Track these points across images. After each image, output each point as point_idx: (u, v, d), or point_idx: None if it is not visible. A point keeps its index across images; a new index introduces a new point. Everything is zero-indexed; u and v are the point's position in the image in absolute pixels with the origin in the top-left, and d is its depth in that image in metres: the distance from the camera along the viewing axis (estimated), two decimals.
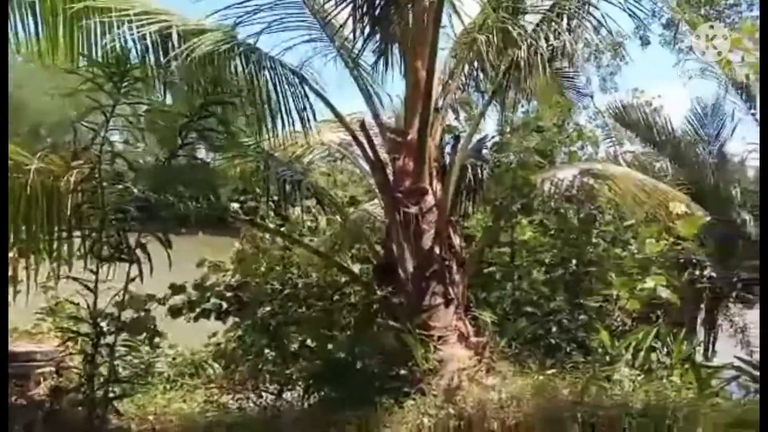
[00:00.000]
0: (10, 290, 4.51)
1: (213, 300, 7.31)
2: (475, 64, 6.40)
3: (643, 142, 9.61)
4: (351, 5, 5.81)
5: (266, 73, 5.52)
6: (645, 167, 9.98)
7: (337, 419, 4.83)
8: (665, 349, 6.25)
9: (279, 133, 5.78)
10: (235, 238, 7.67)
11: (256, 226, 6.99)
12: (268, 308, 7.01)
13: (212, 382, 6.92)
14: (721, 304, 9.46)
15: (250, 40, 5.64)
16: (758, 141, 7.11)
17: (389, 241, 5.91)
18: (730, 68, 8.07)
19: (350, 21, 5.94)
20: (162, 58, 5.08)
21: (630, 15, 5.99)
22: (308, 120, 5.62)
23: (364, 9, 5.76)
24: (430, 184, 5.92)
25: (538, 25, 6.15)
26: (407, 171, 5.91)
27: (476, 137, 7.03)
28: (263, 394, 6.65)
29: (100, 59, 4.93)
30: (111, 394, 4.50)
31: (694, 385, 5.55)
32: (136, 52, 4.91)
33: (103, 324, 4.54)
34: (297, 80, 5.68)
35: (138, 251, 4.55)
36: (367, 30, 5.89)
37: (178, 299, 7.18)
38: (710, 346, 9.58)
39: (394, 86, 6.85)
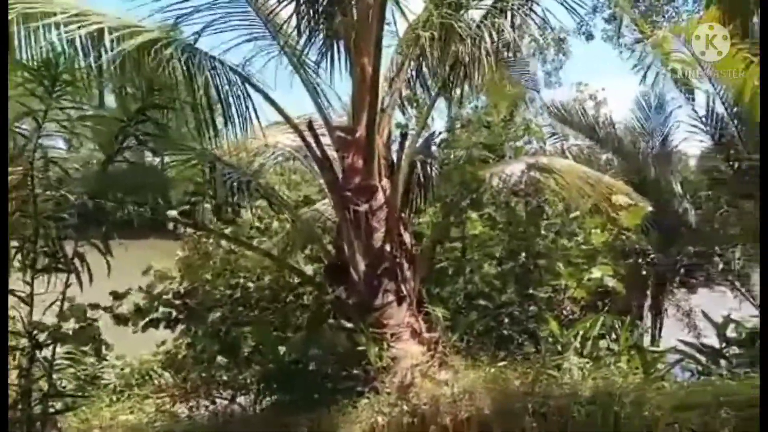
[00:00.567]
0: None
1: (162, 308, 7.15)
2: (421, 60, 6.40)
3: (584, 138, 9.85)
4: (294, 2, 5.74)
5: (207, 73, 5.38)
6: (591, 160, 10.25)
7: (289, 422, 4.77)
8: (613, 336, 6.44)
9: (227, 135, 5.65)
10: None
11: (202, 230, 6.83)
12: (218, 314, 6.90)
13: (163, 391, 6.76)
14: (665, 290, 9.79)
15: (191, 40, 5.50)
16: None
17: (340, 240, 5.88)
18: (670, 63, 8.34)
19: (294, 18, 5.88)
20: (96, 61, 4.88)
21: (569, 11, 6.08)
22: (252, 121, 5.50)
23: (307, 5, 5.69)
24: (380, 181, 5.90)
25: (481, 21, 6.19)
26: (356, 169, 5.87)
27: (425, 134, 7.05)
28: (216, 400, 6.54)
29: (31, 63, 4.71)
30: (51, 409, 4.32)
31: (640, 370, 5.72)
32: (65, 56, 4.70)
33: (42, 336, 4.35)
34: (239, 80, 5.57)
35: (76, 260, 4.37)
36: (310, 27, 5.82)
37: (125, 308, 6.99)
38: (657, 331, 9.90)
39: (342, 84, 6.82)
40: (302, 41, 6.14)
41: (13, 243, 4.56)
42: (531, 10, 6.11)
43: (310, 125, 5.76)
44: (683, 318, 9.66)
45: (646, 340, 9.46)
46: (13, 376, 4.76)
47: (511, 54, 6.63)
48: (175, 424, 5.48)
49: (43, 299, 4.40)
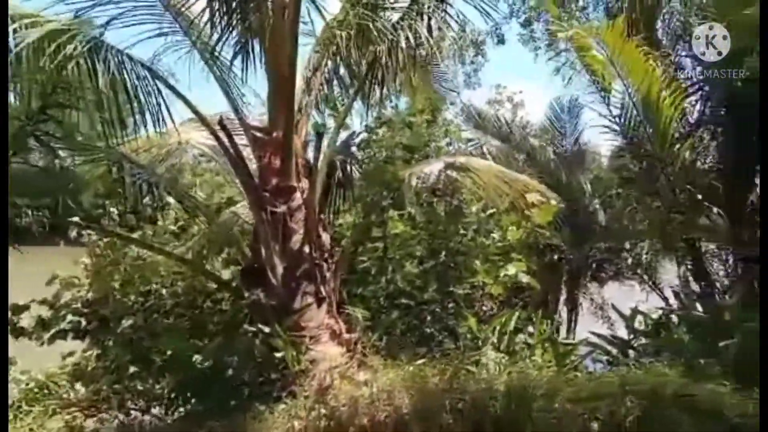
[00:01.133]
0: None
1: (70, 317, 6.76)
2: (339, 60, 6.37)
3: (497, 140, 10.14)
4: None
5: (114, 68, 5.12)
6: (509, 161, 10.55)
7: (204, 431, 4.61)
8: (530, 330, 6.64)
9: (137, 134, 5.40)
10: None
11: (108, 235, 6.51)
12: (130, 322, 6.59)
13: (72, 405, 6.40)
14: (579, 284, 10.22)
15: (96, 33, 5.22)
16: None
17: (257, 242, 5.75)
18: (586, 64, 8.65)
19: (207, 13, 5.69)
20: None
21: (483, 14, 6.21)
22: (163, 119, 5.29)
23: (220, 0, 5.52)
24: (298, 182, 5.83)
25: (398, 22, 6.22)
26: (273, 169, 5.77)
27: (345, 134, 7.03)
28: (131, 411, 6.26)
29: None
30: None
31: (553, 362, 5.92)
32: None
33: None
34: (150, 76, 5.34)
35: None
36: (223, 22, 5.64)
37: (27, 322, 6.56)
38: (572, 324, 10.31)
39: (260, 82, 6.68)
40: (216, 37, 5.96)
41: None
42: (446, 12, 6.17)
43: (222, 123, 5.60)
44: (596, 311, 10.11)
45: (563, 333, 9.87)
46: None
47: (428, 55, 6.68)
48: None
49: None
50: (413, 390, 4.99)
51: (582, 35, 8.05)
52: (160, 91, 5.29)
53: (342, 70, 6.45)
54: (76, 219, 6.11)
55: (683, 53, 8.94)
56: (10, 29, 4.51)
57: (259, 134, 5.81)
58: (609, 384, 5.01)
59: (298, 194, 5.73)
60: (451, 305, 6.93)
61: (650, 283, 8.65)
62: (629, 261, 8.97)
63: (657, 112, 7.62)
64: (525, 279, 6.74)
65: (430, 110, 9.30)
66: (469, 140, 9.88)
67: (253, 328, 5.56)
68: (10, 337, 6.37)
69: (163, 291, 6.68)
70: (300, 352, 5.26)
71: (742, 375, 5.25)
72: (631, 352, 6.66)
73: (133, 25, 5.88)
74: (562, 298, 10.28)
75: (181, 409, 5.67)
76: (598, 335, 7.28)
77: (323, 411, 4.74)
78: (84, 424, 6.20)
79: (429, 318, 6.97)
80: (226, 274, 6.76)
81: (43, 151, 5.51)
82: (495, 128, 10.06)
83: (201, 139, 6.66)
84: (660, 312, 7.06)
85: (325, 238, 5.88)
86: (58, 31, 4.70)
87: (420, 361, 5.48)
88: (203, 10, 5.78)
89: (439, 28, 6.45)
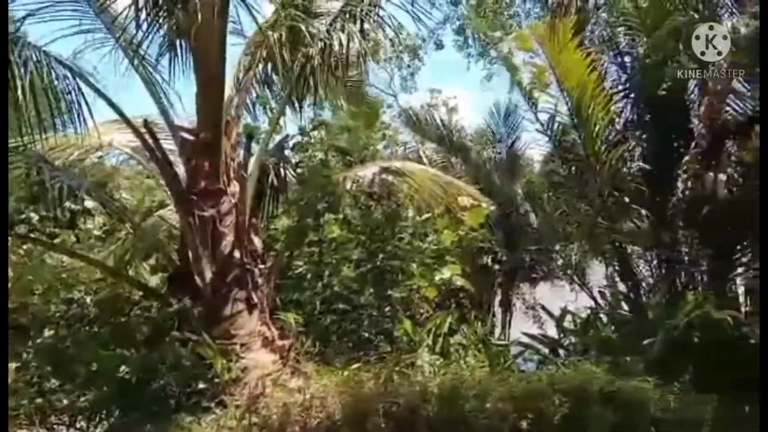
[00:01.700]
0: None
1: None
2: (270, 62, 6.27)
3: (435, 143, 10.27)
4: None
5: (32, 65, 4.85)
6: (446, 165, 10.68)
7: None
8: (465, 332, 6.72)
9: (56, 134, 5.13)
10: None
11: (24, 240, 6.17)
12: (52, 332, 6.26)
13: None
14: (513, 285, 10.44)
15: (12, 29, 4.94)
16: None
17: (185, 247, 5.56)
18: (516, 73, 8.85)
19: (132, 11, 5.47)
20: None
21: (415, 20, 6.23)
22: (84, 119, 5.04)
23: None
24: (228, 185, 5.69)
25: (330, 24, 6.18)
26: (202, 172, 5.61)
27: (278, 137, 6.92)
28: (55, 426, 5.94)
29: None
30: None
31: (486, 363, 6.01)
32: None
33: None
34: (70, 74, 5.09)
35: None
36: (149, 20, 5.44)
37: None
38: (507, 325, 10.51)
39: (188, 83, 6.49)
40: (142, 36, 5.75)
41: None
42: (378, 16, 6.18)
43: (146, 124, 5.40)
44: (527, 311, 10.35)
45: (498, 334, 10.05)
46: None
47: (361, 59, 6.66)
48: None
49: None
50: (347, 395, 4.95)
51: (524, 38, 8.26)
52: (81, 90, 5.06)
53: (274, 72, 6.34)
54: None
55: (610, 61, 9.33)
56: None
57: (186, 135, 5.64)
58: (538, 383, 5.13)
59: (227, 198, 5.59)
60: (387, 309, 6.93)
61: (579, 283, 8.91)
62: (560, 262, 9.24)
63: (588, 117, 7.89)
64: (459, 282, 6.82)
65: (368, 113, 9.32)
66: (405, 143, 9.93)
67: (182, 337, 5.37)
68: None
69: (87, 299, 6.37)
70: (230, 360, 5.13)
71: (664, 371, 5.50)
72: (561, 351, 6.83)
73: (53, 20, 5.63)
74: (497, 299, 10.48)
75: (105, 423, 5.41)
76: (530, 335, 7.45)
77: (254, 420, 4.64)
78: None
79: (366, 322, 6.95)
80: (154, 281, 6.52)
81: None
82: (432, 132, 10.16)
83: (125, 140, 6.40)
84: (588, 311, 7.28)
85: (257, 242, 5.76)
86: None
87: (355, 366, 5.45)
88: (128, 7, 5.58)
89: (372, 32, 6.46)
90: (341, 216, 7.20)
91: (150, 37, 5.57)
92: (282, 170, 6.66)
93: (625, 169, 8.53)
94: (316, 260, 7.31)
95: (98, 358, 6.01)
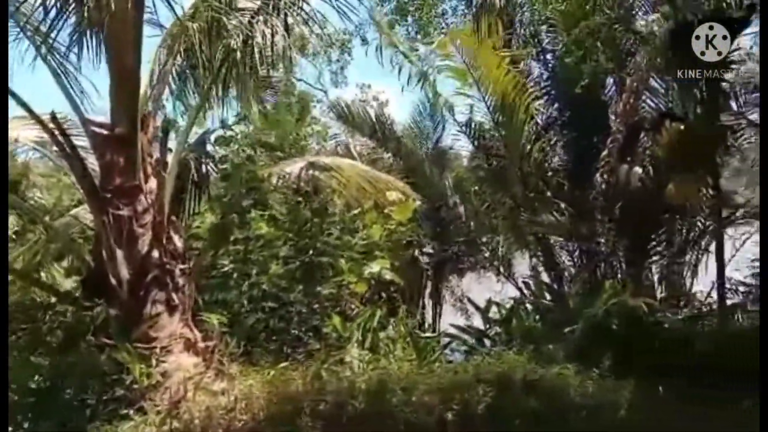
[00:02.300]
0: None
1: None
2: (191, 54, 6.05)
3: (366, 137, 10.26)
4: None
5: None
6: (375, 160, 10.68)
7: None
8: (394, 326, 6.74)
9: None
10: None
11: None
12: None
13: None
14: (443, 278, 10.59)
15: None
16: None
17: (99, 248, 5.29)
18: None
19: None
20: None
21: (341, 14, 6.14)
22: None
23: None
24: (145, 182, 5.44)
25: (253, 16, 6.02)
26: (117, 169, 5.34)
27: (200, 131, 6.69)
28: None
29: None
30: None
31: (415, 356, 6.05)
32: None
33: None
34: None
35: None
36: (58, 6, 5.12)
37: None
38: (437, 317, 10.65)
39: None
40: (49, 25, 5.41)
41: None
42: (302, 10, 6.07)
43: (54, 118, 5.09)
44: (455, 304, 10.54)
45: (429, 327, 10.17)
46: None
47: (288, 53, 6.54)
48: None
49: None
50: (273, 395, 4.86)
51: (443, 44, 8.41)
52: None
53: (193, 65, 6.12)
54: None
55: (534, 59, 9.59)
56: None
57: (99, 130, 5.35)
58: (464, 374, 5.22)
59: (144, 195, 5.35)
60: (316, 305, 6.85)
61: (505, 274, 9.14)
62: (487, 254, 9.44)
63: (508, 117, 8.13)
64: (389, 276, 6.83)
65: (298, 108, 9.19)
66: (336, 137, 9.87)
67: (98, 342, 5.12)
68: None
69: None
70: (150, 365, 4.92)
71: (584, 358, 5.71)
72: (487, 342, 6.98)
73: None
74: (427, 292, 10.59)
75: None
76: (457, 327, 7.58)
77: (175, 425, 4.48)
78: None
79: (295, 319, 6.84)
80: (68, 284, 6.18)
81: None
82: (364, 126, 10.14)
83: (32, 136, 6.02)
84: (512, 302, 7.48)
85: (178, 241, 5.54)
86: None
87: (282, 365, 5.37)
88: None
89: (297, 26, 6.35)
90: (268, 212, 7.06)
91: (59, 25, 5.23)
92: (204, 166, 6.44)
93: (547, 164, 8.83)
94: (242, 258, 7.13)
95: (8, 365, 5.65)
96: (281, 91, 8.54)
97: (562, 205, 8.28)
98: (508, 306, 7.37)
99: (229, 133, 6.75)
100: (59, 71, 5.69)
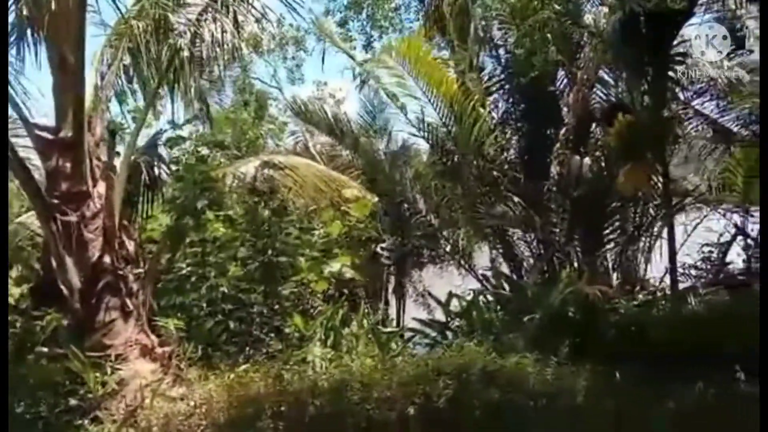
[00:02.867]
0: None
1: None
2: (138, 54, 5.88)
3: (323, 135, 10.20)
4: None
5: None
6: (333, 157, 10.64)
7: None
8: (357, 323, 6.72)
9: None
10: None
11: None
12: None
13: None
14: (405, 272, 10.62)
15: None
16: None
17: (47, 255, 5.13)
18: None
19: None
20: None
21: (289, 9, 6.07)
22: None
23: None
24: (94, 186, 5.30)
25: (200, 14, 5.91)
26: (63, 173, 5.20)
27: (150, 132, 6.54)
28: None
29: None
30: None
31: (377, 352, 6.04)
32: None
33: None
34: None
35: None
36: None
37: None
38: (402, 311, 10.67)
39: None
40: None
41: None
42: (252, 6, 5.99)
43: None
44: (417, 298, 10.59)
45: (395, 322, 10.18)
46: None
47: (237, 51, 6.43)
48: None
49: None
50: (234, 398, 4.80)
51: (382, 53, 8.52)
52: None
53: (140, 64, 5.96)
54: None
55: (486, 54, 9.68)
56: None
57: (43, 134, 5.18)
58: (425, 368, 5.24)
59: (94, 200, 5.21)
60: (277, 306, 6.79)
61: (466, 267, 9.22)
62: (447, 248, 9.51)
63: (459, 116, 8.24)
64: (349, 274, 6.81)
65: (255, 107, 9.06)
66: (294, 135, 9.79)
67: (49, 352, 4.97)
68: None
69: None
70: (105, 373, 4.80)
71: (543, 346, 5.80)
72: (449, 334, 7.02)
73: None
74: (391, 287, 10.61)
75: None
76: (419, 320, 7.60)
77: None
78: None
79: (256, 320, 6.77)
80: (16, 293, 5.96)
81: None
82: (321, 123, 10.08)
83: None
84: (472, 294, 7.54)
85: (130, 245, 5.42)
86: None
87: (243, 367, 5.29)
88: None
89: (248, 24, 6.25)
90: (224, 213, 6.95)
91: None
92: (155, 168, 6.30)
93: (503, 157, 8.96)
94: (199, 261, 7.01)
95: None
96: (237, 90, 8.42)
97: (515, 199, 8.41)
98: (468, 298, 7.42)
99: (179, 133, 6.61)
100: None
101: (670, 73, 7.53)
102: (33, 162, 5.48)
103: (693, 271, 8.22)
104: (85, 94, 5.15)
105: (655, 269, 8.67)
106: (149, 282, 5.65)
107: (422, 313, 9.79)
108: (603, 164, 7.88)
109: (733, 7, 6.95)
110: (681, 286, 7.68)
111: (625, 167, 7.52)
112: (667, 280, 7.85)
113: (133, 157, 5.88)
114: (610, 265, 8.71)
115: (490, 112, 8.97)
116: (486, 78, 9.24)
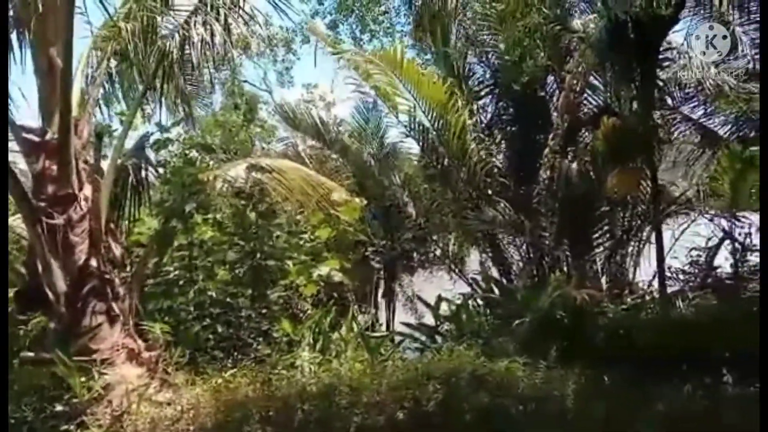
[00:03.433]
0: None
1: None
2: (125, 56, 5.86)
3: (312, 139, 10.19)
4: None
5: None
6: (322, 160, 10.61)
7: None
8: (346, 327, 6.69)
9: None
10: None
11: None
12: None
13: None
14: (395, 276, 10.60)
15: None
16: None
17: (33, 259, 5.07)
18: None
19: None
20: None
21: (279, 11, 6.04)
22: None
23: None
24: (80, 189, 5.24)
25: (190, 16, 5.88)
26: (49, 176, 5.13)
27: (137, 135, 6.49)
28: None
29: None
30: None
31: (366, 356, 6.02)
32: None
33: None
34: None
35: None
36: None
37: None
38: (392, 315, 10.64)
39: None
40: None
41: None
42: (241, 8, 5.96)
43: None
44: (406, 302, 10.56)
45: (385, 326, 10.15)
46: None
47: (228, 53, 6.41)
48: None
49: None
50: (221, 403, 4.76)
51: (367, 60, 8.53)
52: None
53: (128, 67, 5.93)
54: None
55: (475, 58, 9.71)
56: None
57: (29, 136, 5.13)
58: (414, 372, 5.22)
59: (81, 203, 5.15)
60: (265, 310, 6.75)
61: (457, 271, 9.23)
62: (438, 252, 9.51)
63: (447, 122, 8.26)
64: (338, 277, 6.79)
65: (246, 110, 9.01)
66: (285, 139, 9.75)
67: (34, 357, 4.90)
68: None
69: None
70: (91, 377, 4.75)
71: (532, 350, 5.80)
72: (439, 338, 7.01)
73: None
74: (381, 291, 10.58)
75: None
76: (409, 324, 7.59)
77: None
78: None
79: (244, 324, 6.72)
80: None
81: None
82: (308, 127, 10.06)
83: None
84: (462, 298, 7.54)
85: (117, 249, 5.37)
86: None
87: (231, 372, 5.25)
88: None
89: (237, 26, 6.22)
90: (211, 216, 6.91)
91: None
92: (143, 170, 6.24)
93: (493, 161, 8.98)
94: (187, 264, 6.96)
95: None
96: (226, 92, 8.38)
97: (503, 203, 8.43)
98: (458, 302, 7.42)
99: (166, 136, 6.55)
100: None
101: (658, 81, 7.61)
102: (18, 165, 5.42)
103: (681, 275, 8.26)
104: (71, 97, 5.08)
105: (644, 273, 8.71)
106: (136, 286, 5.60)
107: (412, 317, 9.77)
108: (592, 168, 7.90)
109: (720, 12, 7.02)
110: (669, 289, 7.73)
111: (613, 171, 7.57)
112: (656, 283, 7.89)
113: (120, 160, 5.83)
114: (599, 268, 8.74)
115: (478, 117, 9.00)
116: (476, 83, 9.28)
